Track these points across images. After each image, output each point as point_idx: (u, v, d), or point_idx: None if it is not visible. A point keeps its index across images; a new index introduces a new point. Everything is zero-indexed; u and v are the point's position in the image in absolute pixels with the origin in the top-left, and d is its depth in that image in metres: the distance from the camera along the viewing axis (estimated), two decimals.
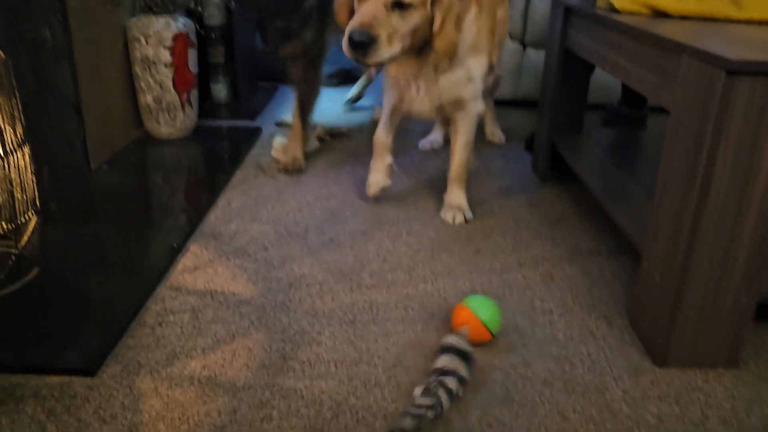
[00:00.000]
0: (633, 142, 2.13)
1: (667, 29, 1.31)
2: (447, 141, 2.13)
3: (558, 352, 1.26)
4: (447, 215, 1.83)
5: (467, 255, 1.64)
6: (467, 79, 1.70)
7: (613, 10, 1.58)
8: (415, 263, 1.59)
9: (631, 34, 1.41)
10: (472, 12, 1.64)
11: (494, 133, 2.54)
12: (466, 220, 1.81)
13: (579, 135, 2.08)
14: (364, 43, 1.40)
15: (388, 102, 1.85)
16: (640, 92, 1.38)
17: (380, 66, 1.63)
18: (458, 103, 1.73)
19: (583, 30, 1.77)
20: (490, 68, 1.81)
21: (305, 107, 2.16)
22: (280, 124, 2.59)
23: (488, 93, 2.41)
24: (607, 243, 1.72)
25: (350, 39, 1.41)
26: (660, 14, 1.53)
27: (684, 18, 1.49)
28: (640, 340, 1.31)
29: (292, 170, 2.14)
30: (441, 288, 1.48)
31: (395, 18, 1.44)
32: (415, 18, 1.47)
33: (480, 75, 1.73)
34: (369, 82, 2.86)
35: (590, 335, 1.32)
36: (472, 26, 1.64)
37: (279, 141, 2.27)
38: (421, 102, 1.73)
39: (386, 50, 1.44)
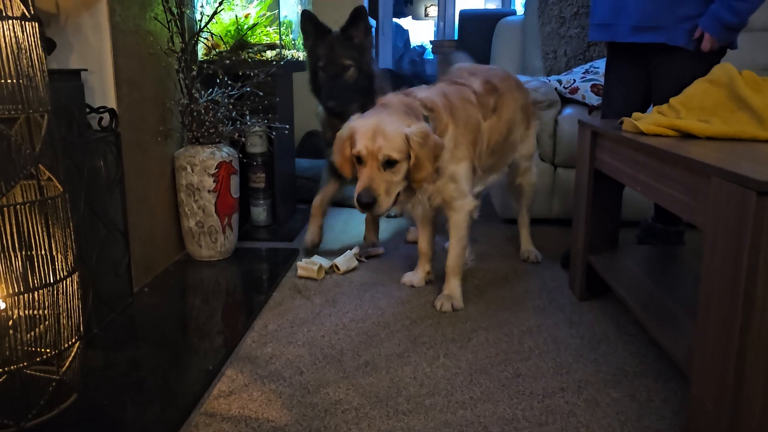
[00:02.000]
0: (671, 259, 2.11)
1: (695, 151, 1.34)
2: (428, 282, 2.27)
3: None
4: (437, 303, 2.05)
5: (507, 378, 1.59)
6: (450, 180, 2.01)
7: (639, 132, 1.63)
8: (453, 387, 1.55)
9: (659, 156, 1.44)
10: (449, 131, 1.98)
11: (529, 251, 2.54)
12: (453, 309, 2.02)
13: (615, 253, 2.07)
14: (369, 203, 1.79)
15: (420, 219, 2.22)
16: (672, 211, 1.39)
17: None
18: (447, 203, 2.06)
19: (612, 152, 1.81)
20: (474, 171, 2.10)
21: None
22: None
23: (522, 205, 2.56)
24: (654, 364, 1.66)
25: (359, 200, 1.79)
26: (686, 136, 1.56)
27: (710, 138, 1.52)
28: None
29: (311, 248, 2.54)
30: (480, 414, 1.43)
31: (387, 174, 1.82)
32: (403, 168, 1.84)
33: (463, 177, 2.03)
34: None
35: None
36: (450, 140, 1.97)
37: (303, 261, 2.34)
38: (421, 205, 2.10)
39: (386, 201, 1.83)
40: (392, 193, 1.84)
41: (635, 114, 1.79)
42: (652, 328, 1.54)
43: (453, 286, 2.08)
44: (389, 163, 1.80)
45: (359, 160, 1.84)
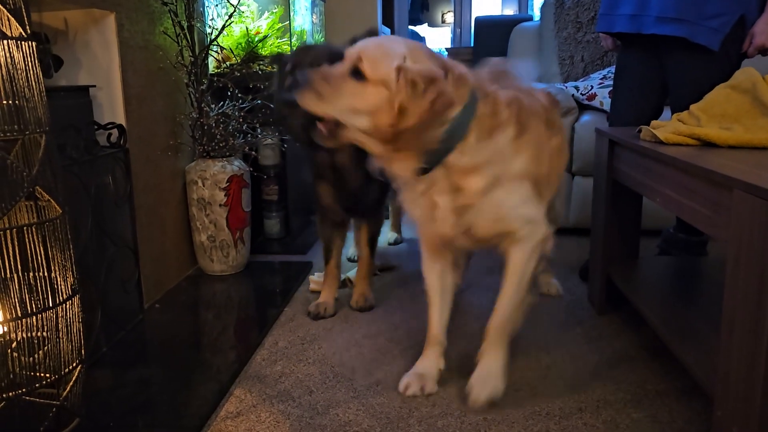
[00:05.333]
0: (693, 271, 2.03)
1: (716, 161, 1.28)
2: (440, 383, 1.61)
3: None
4: (471, 392, 1.48)
5: (522, 398, 1.54)
6: (507, 198, 1.43)
7: (658, 141, 1.57)
8: (467, 408, 1.50)
9: (679, 167, 1.38)
10: (508, 132, 1.40)
11: (549, 283, 2.22)
12: (491, 400, 1.46)
13: (635, 264, 2.01)
14: (299, 83, 1.31)
15: (431, 271, 1.62)
16: (693, 225, 1.33)
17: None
18: (507, 233, 1.46)
19: (630, 162, 1.75)
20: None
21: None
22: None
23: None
24: (676, 383, 1.59)
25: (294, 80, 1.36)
26: (707, 144, 1.50)
27: (732, 148, 1.46)
28: None
29: (318, 317, 2.04)
30: None
31: (350, 84, 1.29)
32: (369, 96, 1.28)
33: (527, 196, 1.46)
34: (398, 215, 2.91)
35: None
36: (508, 144, 1.40)
37: (316, 275, 2.30)
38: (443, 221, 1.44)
39: (312, 99, 1.30)
40: (333, 102, 1.30)
41: (654, 122, 1.73)
42: (674, 344, 1.48)
43: (492, 360, 1.49)
44: (356, 73, 1.29)
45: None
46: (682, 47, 1.98)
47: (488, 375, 1.49)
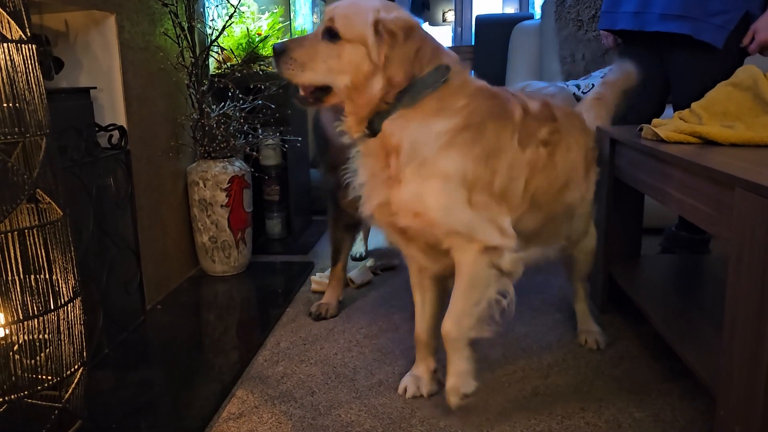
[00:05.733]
0: (696, 269, 2.03)
1: (718, 159, 1.28)
2: (441, 384, 1.54)
3: None
4: (447, 394, 1.43)
5: (524, 398, 1.54)
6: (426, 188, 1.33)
7: (660, 140, 1.56)
8: (470, 407, 1.49)
9: (680, 165, 1.38)
10: (454, 119, 1.31)
11: (588, 333, 1.83)
12: (465, 396, 1.42)
13: (637, 263, 2.00)
14: (278, 52, 1.30)
15: (413, 276, 1.57)
16: (695, 223, 1.32)
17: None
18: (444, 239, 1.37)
19: (631, 160, 1.75)
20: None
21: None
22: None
23: (575, 278, 1.86)
24: (679, 382, 1.59)
25: (273, 47, 1.33)
26: (709, 143, 1.49)
27: (734, 146, 1.45)
28: None
29: (320, 317, 2.03)
30: None
31: (323, 46, 1.29)
32: (347, 54, 1.27)
33: (449, 191, 1.33)
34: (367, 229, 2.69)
35: None
36: (446, 132, 1.31)
37: (318, 275, 2.30)
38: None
39: (294, 67, 1.30)
40: (312, 68, 1.29)
41: (655, 120, 1.73)
42: (676, 343, 1.47)
43: (455, 361, 1.42)
44: (330, 33, 1.28)
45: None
46: (685, 45, 1.98)
47: (457, 377, 1.42)
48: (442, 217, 1.32)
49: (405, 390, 1.56)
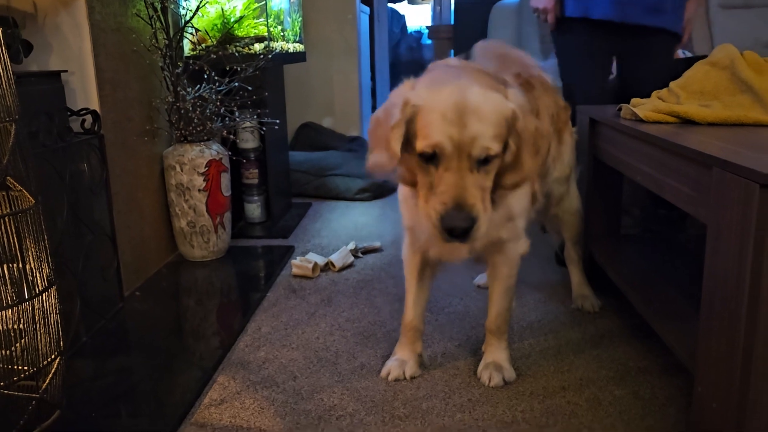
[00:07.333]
0: (674, 248, 2.05)
1: (695, 139, 1.28)
2: (425, 366, 1.61)
3: None
4: (483, 375, 1.53)
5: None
6: (507, 218, 1.42)
7: (638, 119, 1.57)
8: (451, 390, 1.50)
9: (659, 145, 1.38)
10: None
11: (584, 297, 1.95)
12: (504, 382, 1.51)
13: (616, 243, 2.01)
14: (466, 229, 1.17)
15: (412, 262, 1.58)
16: (674, 203, 1.33)
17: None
18: (496, 246, 1.47)
19: (611, 141, 1.75)
20: (534, 199, 1.56)
21: None
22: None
23: (566, 239, 1.97)
24: (658, 359, 1.61)
25: (448, 226, 1.17)
26: (687, 122, 1.50)
27: (712, 125, 1.46)
28: None
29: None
30: (479, 418, 1.38)
31: (480, 178, 1.20)
32: (495, 166, 1.23)
33: (522, 211, 1.47)
34: None
35: None
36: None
37: (298, 259, 2.29)
38: (454, 248, 1.42)
39: (485, 221, 1.20)
40: (488, 208, 1.23)
41: (634, 100, 1.73)
42: (655, 322, 1.49)
43: (499, 351, 1.56)
44: (485, 160, 1.20)
45: (431, 157, 1.21)
46: (652, 33, 2.13)
47: (498, 363, 1.55)
48: (515, 231, 1.48)
49: (389, 373, 1.56)
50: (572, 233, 1.95)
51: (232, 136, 2.47)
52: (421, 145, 1.20)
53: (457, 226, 1.16)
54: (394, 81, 7.90)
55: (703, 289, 1.15)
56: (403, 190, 1.45)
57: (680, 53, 2.83)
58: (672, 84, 1.67)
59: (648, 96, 1.74)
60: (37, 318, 1.17)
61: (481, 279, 2.10)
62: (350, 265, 2.34)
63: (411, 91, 1.25)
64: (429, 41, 7.94)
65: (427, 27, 7.46)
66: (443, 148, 1.17)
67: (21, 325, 1.16)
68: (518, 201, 1.43)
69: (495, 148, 1.19)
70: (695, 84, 1.62)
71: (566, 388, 1.50)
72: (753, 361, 1.04)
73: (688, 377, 1.41)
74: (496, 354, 1.56)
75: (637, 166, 1.54)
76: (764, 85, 1.48)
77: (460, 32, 4.15)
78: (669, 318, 1.48)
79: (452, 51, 4.47)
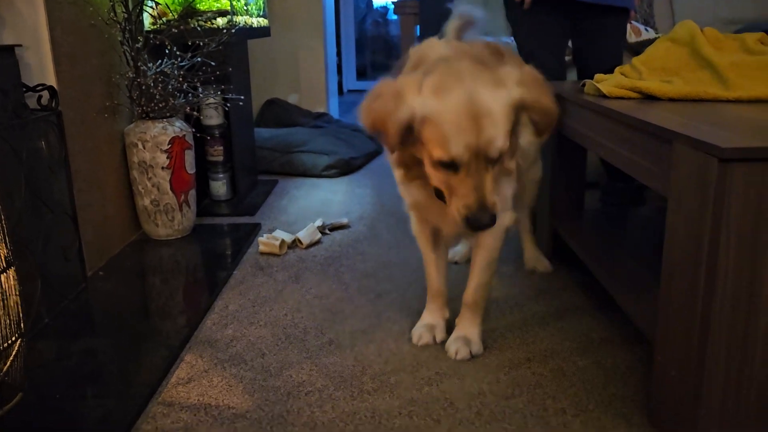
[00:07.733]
0: (636, 221, 2.09)
1: (656, 115, 1.30)
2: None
3: None
4: (450, 348, 1.56)
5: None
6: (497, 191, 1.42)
7: (601, 95, 1.59)
8: (419, 363, 1.52)
9: (621, 121, 1.40)
10: None
11: (536, 258, 2.06)
12: (471, 355, 1.53)
13: (580, 218, 2.05)
14: (490, 224, 1.26)
15: (423, 235, 1.63)
16: (636, 178, 1.35)
17: None
18: None
19: (574, 116, 1.77)
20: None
21: None
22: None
23: (523, 204, 1.96)
24: (620, 330, 1.65)
25: (474, 223, 1.25)
26: (649, 97, 1.52)
27: (672, 100, 1.49)
28: None
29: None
30: (446, 390, 1.41)
31: (493, 172, 1.28)
32: (503, 156, 1.30)
33: (509, 183, 1.52)
34: None
35: None
36: None
37: (265, 236, 2.28)
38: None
39: (502, 213, 1.41)
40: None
41: (597, 76, 1.75)
42: (617, 294, 1.53)
43: (471, 326, 1.58)
44: (496, 160, 1.27)
45: (449, 164, 1.25)
46: (610, 10, 2.21)
47: (468, 337, 1.57)
48: (503, 201, 1.48)
49: (419, 338, 1.62)
50: (529, 200, 1.99)
51: (195, 113, 2.42)
52: (438, 154, 1.24)
53: (483, 225, 1.25)
54: (360, 57, 7.74)
55: (663, 262, 1.18)
56: (398, 176, 1.48)
57: (643, 30, 2.87)
58: (634, 60, 1.69)
59: (601, 72, 1.78)
60: None
61: (455, 255, 2.11)
62: (317, 242, 2.34)
63: (417, 97, 1.25)
64: (395, 16, 7.87)
65: (393, 2, 7.40)
66: (462, 157, 1.22)
67: None
68: (505, 174, 1.46)
69: (506, 143, 1.26)
70: (657, 60, 1.65)
71: (531, 359, 1.53)
72: (710, 330, 1.08)
73: (649, 347, 1.45)
74: (468, 329, 1.59)
75: (600, 141, 1.56)
76: (723, 62, 1.51)
77: (426, 7, 4.12)
78: (630, 290, 1.52)
79: (418, 27, 4.44)
